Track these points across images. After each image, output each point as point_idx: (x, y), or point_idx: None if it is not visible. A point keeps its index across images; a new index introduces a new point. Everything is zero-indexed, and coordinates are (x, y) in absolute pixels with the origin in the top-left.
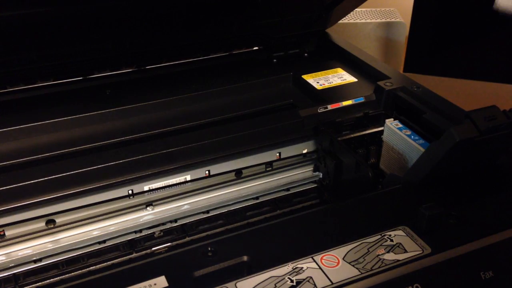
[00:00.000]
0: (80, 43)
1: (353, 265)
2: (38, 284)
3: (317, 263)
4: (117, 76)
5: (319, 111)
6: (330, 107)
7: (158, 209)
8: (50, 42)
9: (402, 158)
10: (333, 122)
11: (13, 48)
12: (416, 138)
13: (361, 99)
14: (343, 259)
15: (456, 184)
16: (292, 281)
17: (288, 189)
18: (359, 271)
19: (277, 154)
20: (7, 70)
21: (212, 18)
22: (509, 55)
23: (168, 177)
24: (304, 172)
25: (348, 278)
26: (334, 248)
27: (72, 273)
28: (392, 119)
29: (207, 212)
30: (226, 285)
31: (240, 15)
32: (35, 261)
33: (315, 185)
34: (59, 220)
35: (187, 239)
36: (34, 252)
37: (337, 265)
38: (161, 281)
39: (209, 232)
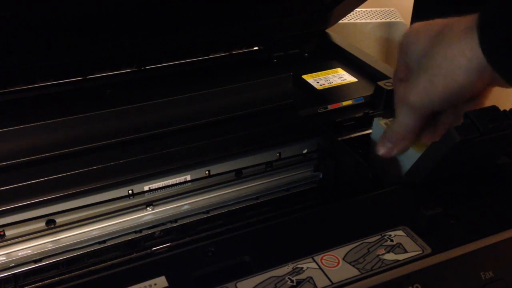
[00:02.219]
0: (80, 43)
1: (353, 265)
2: (38, 284)
3: (317, 263)
4: (117, 76)
5: (319, 111)
6: (330, 107)
7: (158, 209)
8: (50, 42)
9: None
10: (333, 122)
11: (13, 48)
12: None
13: (361, 99)
14: (343, 259)
15: (456, 184)
16: (292, 281)
17: (288, 189)
18: (359, 271)
19: (277, 154)
20: (7, 70)
21: (212, 18)
22: None
23: (168, 177)
24: (304, 172)
25: (348, 278)
26: (334, 248)
27: (72, 273)
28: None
29: (207, 212)
30: (226, 285)
31: (240, 15)
32: (35, 261)
33: (315, 185)
34: (59, 220)
35: (187, 239)
36: (34, 252)
37: (337, 265)
38: (161, 281)
39: (209, 232)
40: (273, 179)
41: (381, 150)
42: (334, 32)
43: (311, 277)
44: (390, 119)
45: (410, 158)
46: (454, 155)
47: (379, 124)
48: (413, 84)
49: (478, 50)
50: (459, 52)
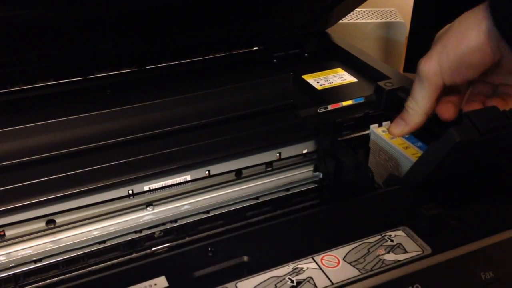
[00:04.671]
0: (80, 43)
1: (353, 266)
2: (38, 284)
3: (317, 264)
4: (117, 76)
5: (319, 111)
6: (330, 107)
7: (158, 209)
8: (50, 42)
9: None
10: (333, 122)
11: (13, 48)
12: (413, 140)
13: (361, 99)
14: (343, 259)
15: (456, 184)
16: (292, 281)
17: (288, 189)
18: (360, 271)
19: (277, 154)
20: (7, 70)
21: (213, 18)
22: None
23: (168, 177)
24: (304, 172)
25: (349, 279)
26: (334, 248)
27: (72, 273)
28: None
29: (207, 212)
30: (227, 285)
31: (241, 15)
32: (35, 261)
33: (315, 185)
34: (59, 220)
35: (187, 239)
36: (34, 252)
37: (337, 266)
38: (162, 281)
39: (209, 232)
40: (273, 179)
41: (395, 130)
42: (334, 32)
43: (311, 277)
44: (387, 126)
45: (410, 159)
46: (454, 156)
47: (376, 131)
48: (428, 54)
49: (488, 15)
50: (471, 17)
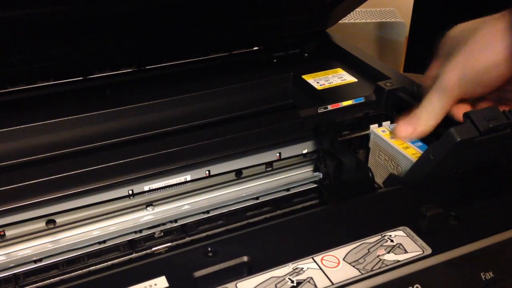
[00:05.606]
0: (80, 43)
1: (353, 266)
2: (38, 284)
3: (317, 264)
4: (117, 76)
5: (319, 111)
6: (330, 107)
7: (158, 209)
8: (50, 42)
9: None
10: (333, 122)
11: (13, 48)
12: (413, 140)
13: (361, 99)
14: (343, 259)
15: (456, 184)
16: (292, 281)
17: (288, 189)
18: (360, 271)
19: (277, 154)
20: (7, 70)
21: (213, 18)
22: None
23: (168, 177)
24: (304, 172)
25: (349, 279)
26: (334, 248)
27: (72, 273)
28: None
29: (207, 212)
30: (227, 285)
31: (240, 15)
32: (35, 261)
33: (315, 185)
34: (59, 220)
35: (187, 239)
36: (34, 252)
37: (337, 266)
38: (162, 281)
39: (209, 232)
40: (273, 179)
41: (402, 133)
42: (334, 32)
43: (311, 278)
44: (386, 126)
45: (410, 159)
46: (454, 155)
47: (375, 132)
48: (447, 68)
49: (506, 32)
50: (489, 33)
